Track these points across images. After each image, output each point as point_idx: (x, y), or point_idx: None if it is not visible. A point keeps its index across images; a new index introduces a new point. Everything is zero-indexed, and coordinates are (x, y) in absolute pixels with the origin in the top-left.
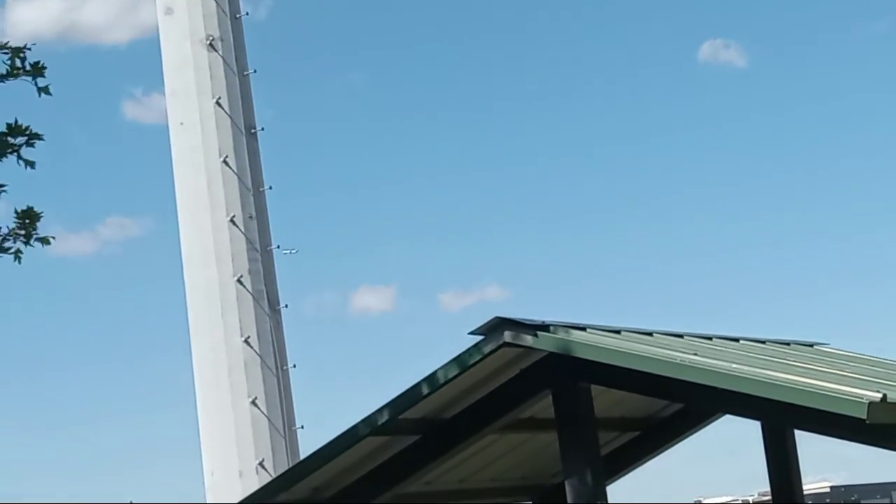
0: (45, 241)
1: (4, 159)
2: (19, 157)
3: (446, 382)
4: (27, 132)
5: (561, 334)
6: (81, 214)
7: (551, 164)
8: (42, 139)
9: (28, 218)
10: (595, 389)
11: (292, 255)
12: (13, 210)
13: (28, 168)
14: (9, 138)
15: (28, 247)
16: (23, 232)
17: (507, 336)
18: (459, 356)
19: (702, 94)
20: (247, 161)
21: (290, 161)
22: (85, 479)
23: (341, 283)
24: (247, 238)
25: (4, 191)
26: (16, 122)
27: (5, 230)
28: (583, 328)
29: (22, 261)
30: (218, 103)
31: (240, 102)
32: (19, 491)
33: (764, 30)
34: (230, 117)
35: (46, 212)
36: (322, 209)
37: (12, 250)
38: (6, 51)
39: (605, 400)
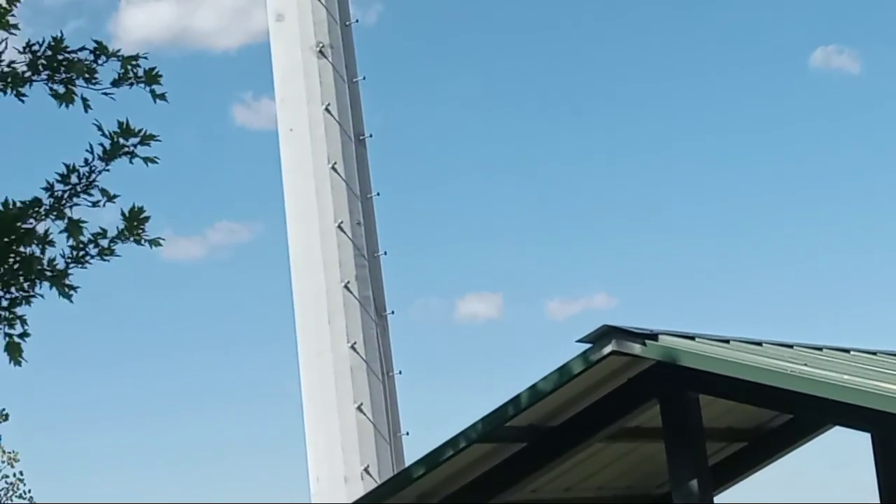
0: (155, 242)
1: (116, 161)
2: (133, 157)
3: (553, 390)
4: (140, 134)
5: (669, 343)
6: (192, 219)
7: (663, 168)
8: (158, 140)
9: (134, 219)
10: (703, 399)
11: (398, 261)
12: (120, 212)
13: (148, 164)
14: (121, 139)
15: (139, 246)
16: (130, 233)
17: (615, 344)
18: (567, 364)
19: (814, 100)
20: (355, 167)
21: (398, 167)
22: (192, 476)
23: (448, 289)
24: (354, 244)
25: (113, 201)
26: (126, 123)
27: (114, 232)
28: (691, 337)
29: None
30: (327, 110)
31: (349, 109)
32: (135, 482)
33: (878, 35)
34: (339, 124)
35: (158, 216)
36: (429, 215)
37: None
38: (117, 58)
39: (713, 410)
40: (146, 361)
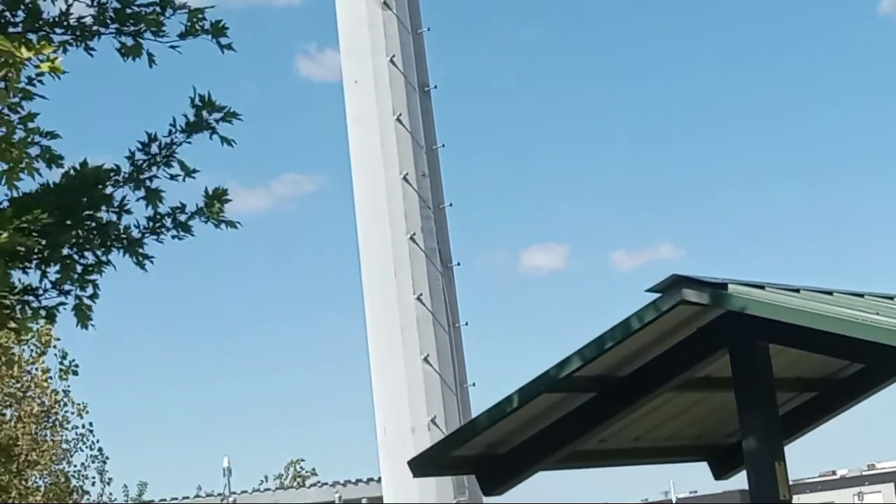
0: (231, 224)
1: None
2: (213, 133)
3: (622, 340)
4: (223, 110)
5: (739, 292)
6: (257, 171)
7: (729, 124)
8: (241, 119)
9: (216, 199)
10: (773, 348)
11: (464, 214)
12: (204, 190)
13: (225, 145)
14: (203, 113)
15: (216, 228)
16: (210, 212)
17: (685, 294)
18: (636, 313)
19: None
20: (420, 119)
21: (463, 119)
22: (261, 430)
23: (513, 241)
24: (419, 196)
25: (192, 176)
26: (209, 96)
27: (193, 208)
28: (761, 286)
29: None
30: (392, 62)
31: (413, 61)
32: (200, 441)
33: None
34: (404, 75)
35: (222, 169)
36: (495, 167)
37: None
38: (184, 11)
39: (783, 359)
40: (212, 316)
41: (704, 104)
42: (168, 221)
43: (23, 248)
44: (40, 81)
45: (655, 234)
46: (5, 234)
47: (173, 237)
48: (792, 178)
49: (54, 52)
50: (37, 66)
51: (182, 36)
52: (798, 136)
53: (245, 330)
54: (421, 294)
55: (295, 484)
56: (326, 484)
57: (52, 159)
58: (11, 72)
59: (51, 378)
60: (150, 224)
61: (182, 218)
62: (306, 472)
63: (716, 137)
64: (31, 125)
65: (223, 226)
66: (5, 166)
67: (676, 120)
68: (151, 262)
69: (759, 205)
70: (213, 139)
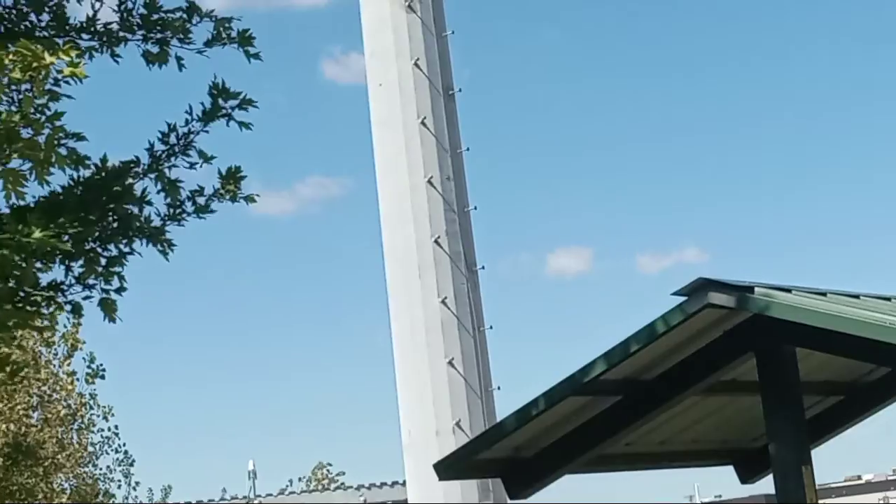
0: (250, 198)
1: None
2: (230, 119)
3: (648, 343)
4: (239, 97)
5: (765, 296)
6: (281, 174)
7: (755, 126)
8: (256, 106)
9: (231, 178)
10: (799, 352)
11: (489, 217)
12: (217, 171)
13: (243, 129)
14: (220, 100)
15: (234, 203)
16: (226, 192)
17: (711, 297)
18: (662, 316)
19: None
20: (444, 122)
21: (487, 122)
22: (286, 433)
23: (538, 244)
24: (444, 199)
25: (210, 162)
26: (223, 83)
27: (210, 190)
28: (788, 290)
29: (171, 250)
30: (416, 65)
31: (437, 64)
32: (225, 443)
33: None
34: (428, 78)
35: (248, 171)
36: (519, 170)
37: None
38: (211, 19)
39: (810, 363)
40: (238, 319)
41: (731, 105)
42: (188, 206)
43: (50, 249)
44: (66, 82)
45: (681, 238)
46: (37, 234)
47: (195, 219)
48: (821, 180)
49: (78, 55)
50: (59, 71)
51: (208, 44)
52: (829, 136)
53: (270, 332)
54: (446, 297)
55: (320, 487)
56: (351, 487)
57: (78, 160)
58: (36, 74)
59: (77, 380)
60: (170, 211)
61: (201, 201)
62: (333, 475)
63: (742, 139)
64: (57, 124)
65: (242, 201)
66: (27, 164)
67: (702, 122)
68: (173, 249)
69: (787, 208)
70: (230, 125)
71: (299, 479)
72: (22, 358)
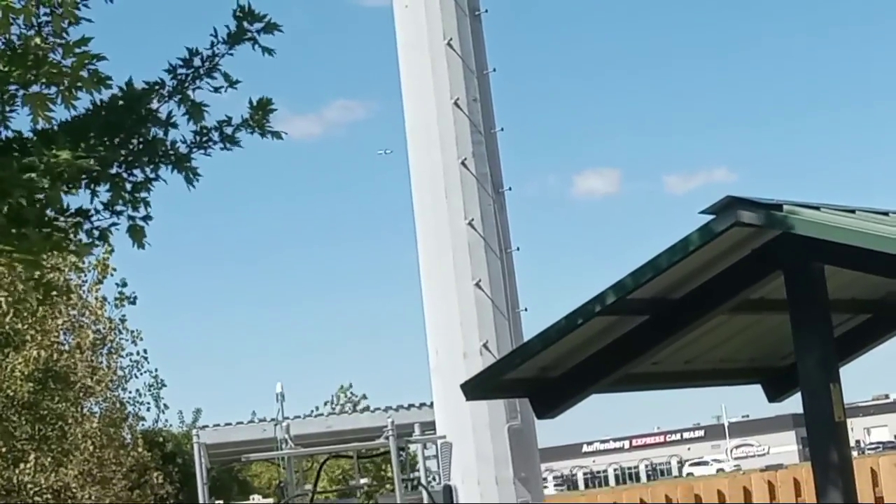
0: (276, 135)
1: (238, 46)
2: (255, 44)
3: (676, 262)
4: (264, 19)
5: (794, 213)
6: (307, 97)
7: (784, 46)
8: (281, 30)
9: (261, 109)
10: (827, 270)
11: (515, 138)
12: (248, 101)
13: (266, 55)
14: (244, 23)
15: (262, 138)
16: (254, 122)
17: (739, 215)
18: (689, 235)
19: None
20: (471, 43)
21: (515, 42)
22: (314, 353)
23: (565, 165)
24: (470, 121)
25: (235, 87)
26: (248, 6)
27: (238, 120)
28: (816, 207)
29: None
30: None
31: None
32: (256, 363)
33: None
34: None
35: (272, 94)
36: (546, 92)
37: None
38: None
39: (838, 281)
40: (263, 243)
41: (761, 24)
42: (215, 135)
43: (77, 170)
44: (86, 5)
45: (710, 158)
46: (64, 155)
47: (221, 149)
48: (851, 97)
49: None
50: None
51: None
52: (862, 56)
53: (296, 256)
54: (472, 219)
55: (347, 409)
56: (378, 409)
57: (100, 81)
58: None
59: (107, 304)
60: (197, 138)
61: (228, 130)
62: (356, 396)
63: (772, 56)
64: (83, 49)
65: (269, 136)
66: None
67: (731, 39)
68: (199, 178)
69: (817, 127)
70: (255, 49)
71: (324, 403)
72: (57, 280)
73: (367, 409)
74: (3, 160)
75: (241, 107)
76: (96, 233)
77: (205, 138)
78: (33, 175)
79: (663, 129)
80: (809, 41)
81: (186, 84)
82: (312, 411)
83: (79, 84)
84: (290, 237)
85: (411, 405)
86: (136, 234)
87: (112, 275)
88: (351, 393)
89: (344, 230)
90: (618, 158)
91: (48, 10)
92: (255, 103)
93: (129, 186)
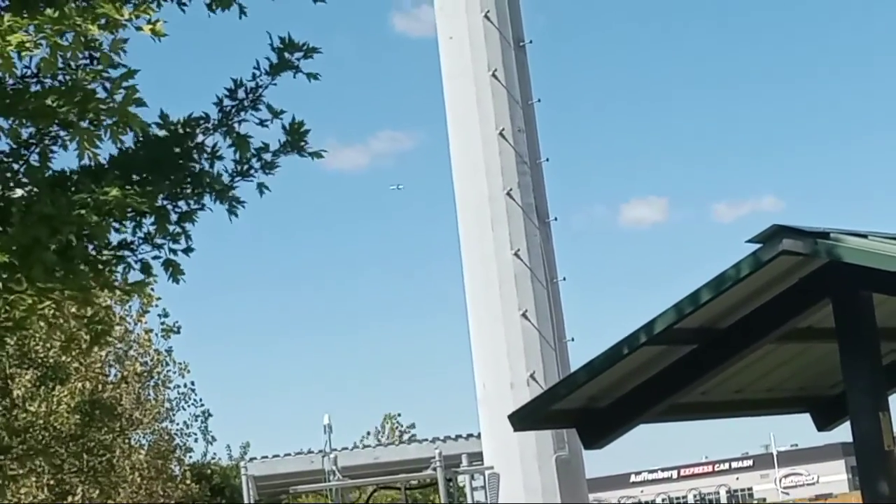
0: (317, 154)
1: (279, 77)
2: (297, 71)
3: (723, 291)
4: (304, 48)
5: (841, 241)
6: (354, 128)
7: (833, 70)
8: (320, 52)
9: (294, 133)
10: (875, 298)
11: (561, 169)
12: (281, 125)
13: (311, 80)
14: (285, 54)
15: (302, 157)
16: (293, 147)
17: (786, 244)
18: (736, 264)
19: None
20: (515, 74)
21: (559, 73)
22: (359, 383)
23: (611, 195)
24: (516, 151)
25: (280, 118)
26: (289, 37)
27: (276, 145)
28: (864, 235)
29: (266, 191)
30: (486, 17)
31: (508, 15)
32: (302, 393)
33: None
34: (499, 30)
35: (320, 126)
36: (592, 121)
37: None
38: None
39: (886, 308)
40: (313, 275)
41: (811, 50)
42: (255, 162)
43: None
44: (123, 50)
45: (757, 186)
46: (113, 192)
47: (263, 175)
48: None
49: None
50: (138, 29)
51: None
52: None
53: (343, 286)
54: (518, 250)
55: (395, 440)
56: (426, 440)
57: (141, 125)
58: (114, 31)
59: (154, 336)
60: (238, 168)
61: (267, 157)
62: (403, 427)
63: (821, 81)
64: (130, 82)
65: (308, 156)
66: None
67: (778, 68)
68: (243, 206)
69: (864, 154)
70: (297, 77)
71: (367, 434)
72: (106, 317)
73: (412, 438)
74: (53, 197)
75: (281, 137)
76: (138, 265)
77: (246, 167)
78: (83, 212)
79: (711, 156)
80: (859, 63)
81: (231, 116)
82: (357, 442)
83: (126, 120)
84: (336, 268)
85: (458, 436)
86: (175, 269)
87: (156, 305)
88: (398, 422)
89: (391, 261)
90: (665, 187)
91: (92, 50)
92: (288, 127)
93: (174, 217)
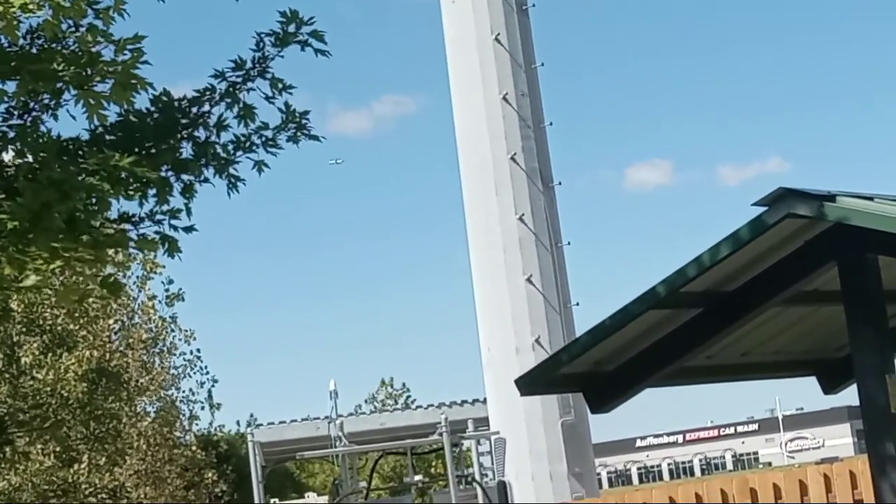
0: (314, 138)
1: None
2: (305, 45)
3: (729, 254)
4: (311, 23)
5: (847, 204)
6: (357, 92)
7: (841, 30)
8: (324, 37)
9: (293, 120)
10: (882, 261)
11: (565, 132)
12: (284, 104)
13: (319, 56)
14: (291, 27)
15: (304, 139)
16: (289, 128)
17: (792, 207)
18: (741, 227)
19: None
20: (518, 38)
21: (562, 36)
22: (363, 348)
23: (616, 158)
24: (519, 115)
25: (290, 91)
26: (292, 11)
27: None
28: (870, 198)
29: (264, 170)
30: None
31: None
32: (306, 358)
33: None
34: None
35: (324, 89)
36: (595, 84)
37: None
38: None
39: (892, 271)
40: (313, 239)
41: (814, 5)
42: (256, 139)
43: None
44: (124, 10)
45: (763, 148)
46: (124, 162)
47: (265, 152)
48: None
49: None
50: None
51: None
52: None
53: (346, 252)
54: (523, 214)
55: (388, 405)
56: (431, 406)
57: (140, 83)
58: None
59: (159, 303)
60: (239, 143)
61: (268, 134)
62: (397, 391)
63: (826, 42)
64: (135, 46)
65: (307, 139)
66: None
67: (783, 23)
68: (244, 183)
69: (872, 114)
70: (304, 51)
71: (365, 401)
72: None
73: (409, 401)
74: (62, 164)
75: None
76: (140, 239)
77: (247, 142)
78: (92, 179)
79: (716, 118)
80: (864, 24)
81: (238, 87)
82: (356, 408)
83: (133, 82)
84: (339, 232)
85: (464, 401)
86: (172, 246)
87: (159, 273)
88: (391, 388)
89: (395, 225)
90: (669, 149)
91: (95, 11)
92: (286, 112)
93: (177, 188)
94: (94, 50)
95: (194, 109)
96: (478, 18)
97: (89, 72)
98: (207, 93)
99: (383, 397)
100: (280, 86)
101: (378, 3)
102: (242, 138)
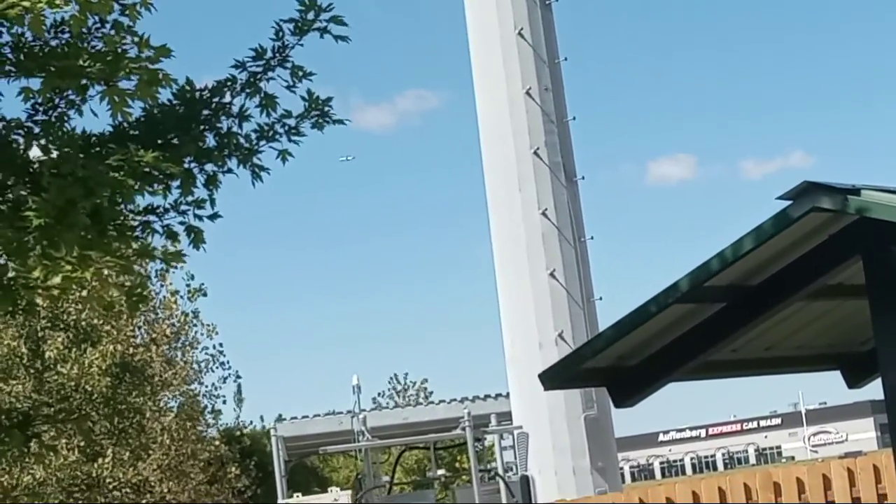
0: (339, 122)
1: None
2: (324, 32)
3: (753, 248)
4: (329, 9)
5: (872, 198)
6: (380, 86)
7: (865, 25)
8: (345, 24)
9: (315, 107)
10: None
11: (588, 127)
12: (305, 92)
13: (339, 42)
14: (310, 14)
15: (328, 125)
16: (313, 115)
17: (816, 200)
18: (766, 221)
19: None
20: (542, 32)
21: (586, 31)
22: (389, 342)
23: (638, 153)
24: (542, 110)
25: (310, 79)
26: None
27: (298, 112)
28: (894, 191)
29: (288, 159)
30: None
31: None
32: (330, 353)
33: None
34: None
35: (345, 84)
36: (618, 79)
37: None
38: None
39: None
40: (337, 233)
41: (840, 4)
42: (279, 127)
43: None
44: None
45: (786, 142)
46: (148, 157)
47: (287, 140)
48: None
49: None
50: None
51: None
52: None
53: (369, 247)
54: (546, 209)
55: (399, 399)
56: (455, 400)
57: (165, 79)
58: None
59: (181, 297)
60: (262, 132)
61: (291, 122)
62: (406, 383)
63: (850, 36)
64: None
65: (332, 123)
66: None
67: (809, 21)
68: (268, 172)
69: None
70: (324, 38)
71: (379, 394)
72: (143, 284)
73: (428, 395)
74: (86, 159)
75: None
76: (163, 232)
77: (270, 132)
78: (117, 175)
79: (738, 112)
80: (888, 19)
81: (259, 77)
82: (372, 402)
83: (159, 78)
84: (361, 227)
85: (487, 396)
86: (197, 237)
87: (180, 267)
88: (403, 380)
89: (417, 220)
90: (692, 144)
91: (122, 7)
92: (308, 99)
93: (201, 179)
94: (119, 48)
95: (216, 100)
96: (501, 13)
97: (116, 67)
98: (228, 83)
99: (399, 390)
100: (300, 73)
101: None
102: (266, 127)
